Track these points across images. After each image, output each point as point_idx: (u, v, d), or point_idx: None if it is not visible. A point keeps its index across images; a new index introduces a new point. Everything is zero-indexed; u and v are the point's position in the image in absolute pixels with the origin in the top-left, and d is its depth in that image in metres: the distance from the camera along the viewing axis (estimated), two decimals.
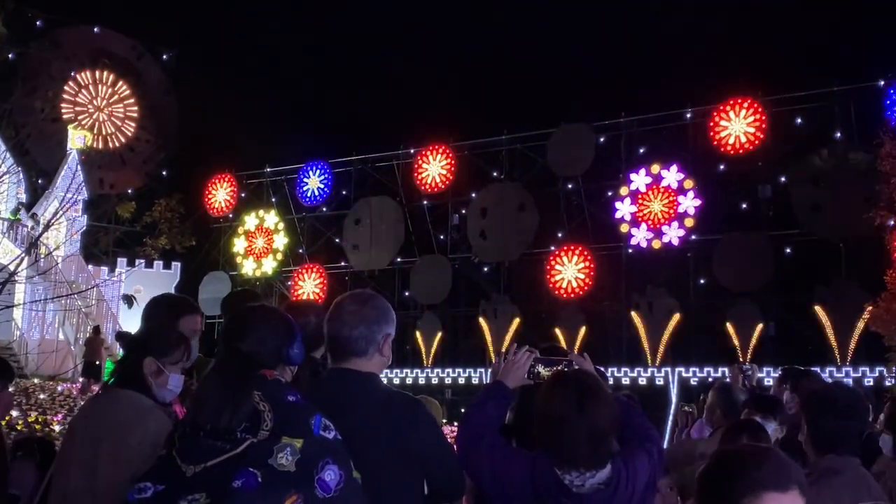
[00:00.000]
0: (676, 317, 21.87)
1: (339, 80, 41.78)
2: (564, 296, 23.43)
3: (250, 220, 29.53)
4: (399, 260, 26.61)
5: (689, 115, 22.89)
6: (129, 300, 16.83)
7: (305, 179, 28.24)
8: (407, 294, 26.30)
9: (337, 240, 27.98)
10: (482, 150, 25.85)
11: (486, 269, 25.77)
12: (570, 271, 23.38)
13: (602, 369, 4.59)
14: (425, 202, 26.56)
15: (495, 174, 25.65)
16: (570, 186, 24.56)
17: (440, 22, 40.72)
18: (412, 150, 26.65)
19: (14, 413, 13.14)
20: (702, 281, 22.70)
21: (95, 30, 36.70)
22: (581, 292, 23.28)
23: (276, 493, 2.30)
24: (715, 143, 21.99)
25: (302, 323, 3.25)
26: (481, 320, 24.38)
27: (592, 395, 2.89)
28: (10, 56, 30.06)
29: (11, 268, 8.98)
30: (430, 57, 39.82)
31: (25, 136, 25.02)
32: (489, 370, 21.21)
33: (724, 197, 22.49)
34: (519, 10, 40.08)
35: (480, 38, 41.24)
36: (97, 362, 19.61)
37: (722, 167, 22.50)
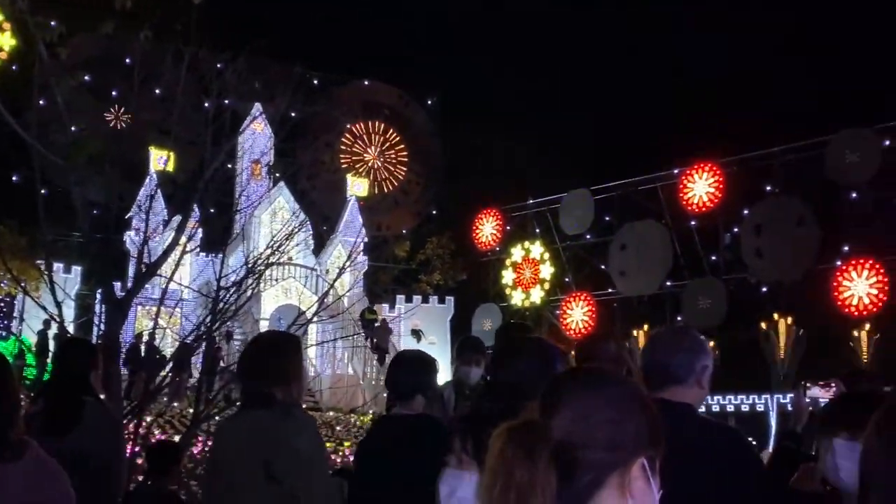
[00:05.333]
0: None
1: (594, 106, 41.68)
2: (855, 314, 21.64)
3: (517, 252, 30.05)
4: (669, 284, 25.92)
5: None
6: (417, 334, 17.86)
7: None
8: (679, 319, 25.51)
9: (602, 266, 27.78)
10: (752, 164, 24.65)
11: (764, 289, 24.42)
12: (860, 287, 21.57)
13: None
14: (693, 223, 25.72)
15: (769, 188, 24.34)
16: (854, 196, 22.74)
17: (688, 37, 39.53)
18: (675, 171, 25.96)
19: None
20: None
21: (365, 83, 39.44)
22: (875, 309, 21.38)
23: None
24: None
25: (601, 349, 3.36)
26: (763, 343, 23.09)
27: None
28: (292, 115, 32.98)
29: (308, 313, 9.76)
30: (688, 73, 38.72)
31: (312, 188, 27.24)
32: (775, 396, 20.12)
33: None
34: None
35: (736, 48, 39.54)
36: None
37: None
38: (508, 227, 30.73)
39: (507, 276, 30.11)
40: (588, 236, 28.49)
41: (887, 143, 22.01)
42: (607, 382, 1.63)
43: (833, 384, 4.36)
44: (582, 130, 41.32)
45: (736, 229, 24.63)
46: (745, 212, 24.20)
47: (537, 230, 29.88)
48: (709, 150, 25.29)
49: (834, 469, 2.68)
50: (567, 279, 29.13)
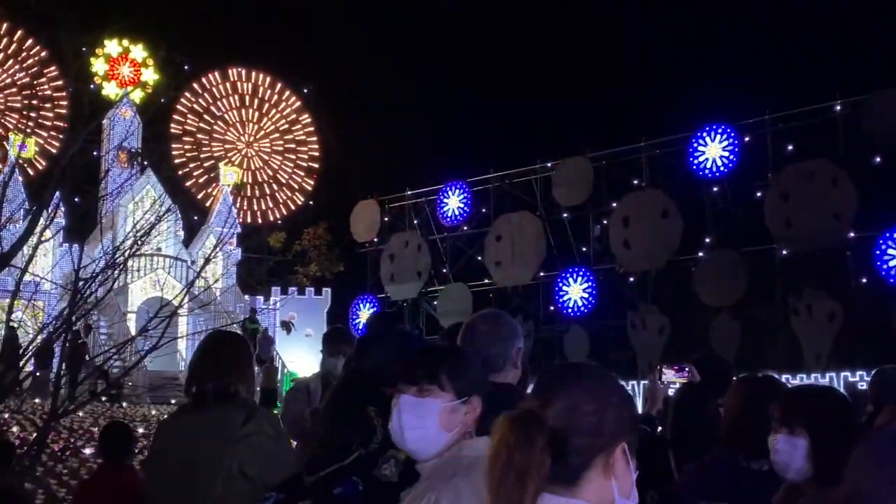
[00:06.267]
0: (839, 319, 20.76)
1: (472, 98, 42.13)
2: (715, 302, 22.68)
3: (394, 243, 30.02)
4: (542, 274, 26.48)
5: (838, 108, 21.87)
6: (286, 326, 17.70)
7: (445, 200, 28.57)
8: (552, 308, 26.14)
9: (479, 258, 28.13)
10: (620, 159, 25.46)
11: (631, 279, 25.30)
12: (719, 278, 22.59)
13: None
14: (565, 215, 26.37)
15: (635, 182, 25.20)
16: (715, 190, 23.83)
17: (566, 32, 40.48)
18: (549, 164, 26.55)
19: None
20: (864, 280, 21.51)
21: (239, 69, 38.59)
22: (734, 298, 22.45)
23: (376, 501, 2.43)
24: None
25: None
26: (630, 332, 23.93)
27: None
28: (162, 101, 32.04)
29: (175, 303, 9.49)
30: (560, 69, 39.63)
31: (182, 177, 26.49)
32: (642, 383, 20.83)
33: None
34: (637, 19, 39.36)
35: (606, 47, 40.73)
36: (274, 388, 20.91)
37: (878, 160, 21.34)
38: (386, 219, 30.70)
39: (385, 268, 30.03)
40: (465, 228, 28.79)
41: (748, 139, 23.13)
42: (592, 377, 1.86)
43: (686, 368, 4.57)
44: (459, 122, 41.73)
45: (605, 221, 25.40)
46: (614, 204, 24.99)
47: (415, 221, 29.95)
48: (579, 144, 26.01)
49: None
50: (444, 270, 29.33)
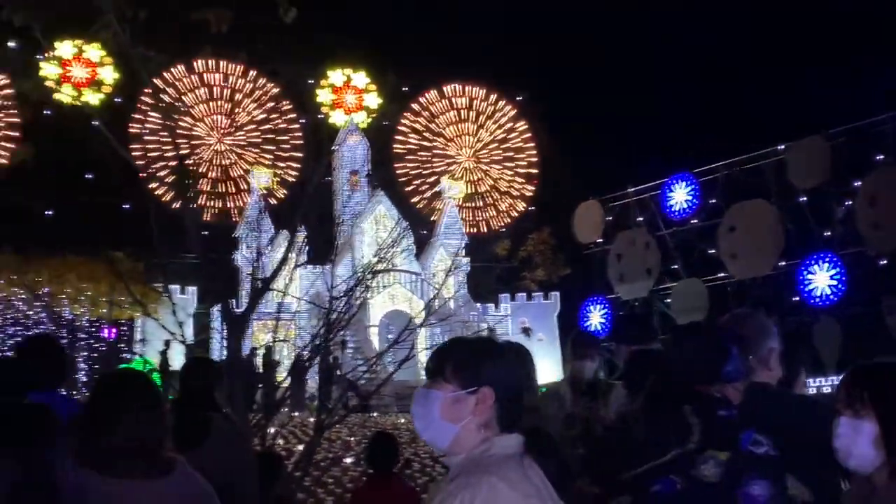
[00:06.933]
0: None
1: (691, 86, 40.75)
2: None
3: (620, 242, 29.56)
4: (782, 263, 25.08)
5: None
6: (526, 332, 18.03)
7: (670, 194, 27.78)
8: (796, 299, 24.66)
9: (711, 251, 27.07)
10: (861, 134, 23.62)
11: (884, 261, 23.36)
12: None
13: None
14: (803, 198, 24.83)
15: (880, 157, 23.26)
16: None
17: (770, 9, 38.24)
18: (780, 147, 25.12)
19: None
20: None
21: (454, 85, 39.61)
22: None
23: (695, 500, 2.47)
24: None
25: None
26: (887, 319, 22.10)
27: None
28: (385, 123, 33.52)
29: (416, 317, 9.85)
30: (787, 45, 37.47)
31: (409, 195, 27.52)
32: None
33: None
34: None
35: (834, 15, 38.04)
36: None
37: None
38: (609, 218, 30.29)
39: (613, 268, 29.58)
40: (695, 220, 27.83)
41: None
42: None
43: None
44: (679, 113, 40.51)
45: (849, 202, 23.66)
46: (858, 183, 23.22)
47: (640, 218, 29.35)
48: (813, 123, 24.44)
49: None
50: (675, 266, 28.51)
